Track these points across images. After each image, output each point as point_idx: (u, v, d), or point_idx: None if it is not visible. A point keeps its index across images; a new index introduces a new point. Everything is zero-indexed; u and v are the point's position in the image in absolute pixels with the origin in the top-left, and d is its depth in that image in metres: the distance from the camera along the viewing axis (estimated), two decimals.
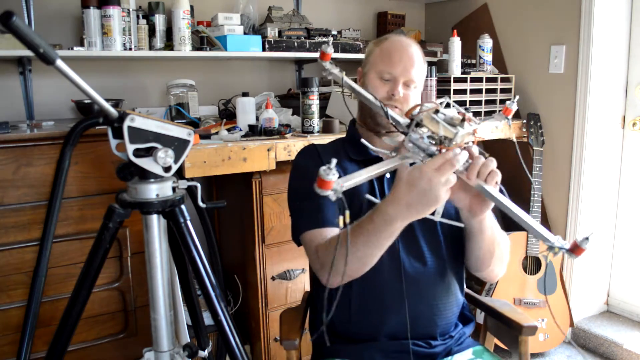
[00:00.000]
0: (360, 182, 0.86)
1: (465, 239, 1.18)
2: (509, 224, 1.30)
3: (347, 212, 0.80)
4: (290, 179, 1.30)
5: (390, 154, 0.96)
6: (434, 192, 0.89)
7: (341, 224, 0.81)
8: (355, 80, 1.22)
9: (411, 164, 0.95)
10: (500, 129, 2.42)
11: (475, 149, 0.97)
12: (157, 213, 1.01)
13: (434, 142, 0.93)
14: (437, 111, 0.94)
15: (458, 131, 0.90)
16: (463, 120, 0.93)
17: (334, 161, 0.78)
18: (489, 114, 2.52)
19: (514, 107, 1.13)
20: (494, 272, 1.22)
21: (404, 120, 1.01)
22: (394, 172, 1.01)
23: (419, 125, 0.94)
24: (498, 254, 1.17)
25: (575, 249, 0.87)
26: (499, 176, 0.95)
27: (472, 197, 1.01)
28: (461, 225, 1.09)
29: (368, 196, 1.02)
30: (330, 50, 1.08)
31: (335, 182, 0.78)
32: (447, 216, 1.04)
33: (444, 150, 0.91)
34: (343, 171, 1.24)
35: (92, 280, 1.02)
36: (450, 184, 0.90)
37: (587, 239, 0.86)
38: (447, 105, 0.98)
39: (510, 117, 1.15)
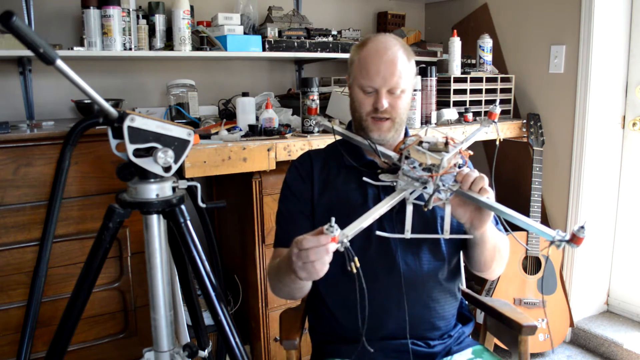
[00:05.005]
0: (364, 226, 0.94)
1: (468, 247, 1.21)
2: (509, 224, 1.31)
3: (356, 258, 0.89)
4: (280, 193, 1.34)
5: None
6: (294, 266, 0.92)
7: (354, 269, 0.89)
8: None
9: (411, 193, 1.02)
10: (496, 130, 2.43)
11: (466, 169, 1.02)
12: (157, 213, 1.01)
13: (425, 170, 1.00)
14: (420, 142, 1.02)
15: (444, 157, 0.98)
16: (446, 143, 1.00)
17: (333, 219, 0.87)
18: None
19: (498, 110, 1.20)
20: (495, 272, 1.27)
21: (395, 155, 1.08)
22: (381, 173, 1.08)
23: (408, 157, 1.02)
24: (498, 257, 1.22)
25: (574, 239, 0.91)
26: (491, 193, 1.01)
27: (471, 212, 1.05)
28: (470, 236, 1.12)
29: (379, 232, 1.08)
30: (314, 105, 1.28)
31: (340, 235, 0.88)
32: (451, 228, 1.09)
33: (437, 176, 0.99)
34: (338, 178, 1.26)
35: (92, 280, 1.02)
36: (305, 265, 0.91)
37: (582, 227, 0.90)
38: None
39: (496, 120, 1.20)
